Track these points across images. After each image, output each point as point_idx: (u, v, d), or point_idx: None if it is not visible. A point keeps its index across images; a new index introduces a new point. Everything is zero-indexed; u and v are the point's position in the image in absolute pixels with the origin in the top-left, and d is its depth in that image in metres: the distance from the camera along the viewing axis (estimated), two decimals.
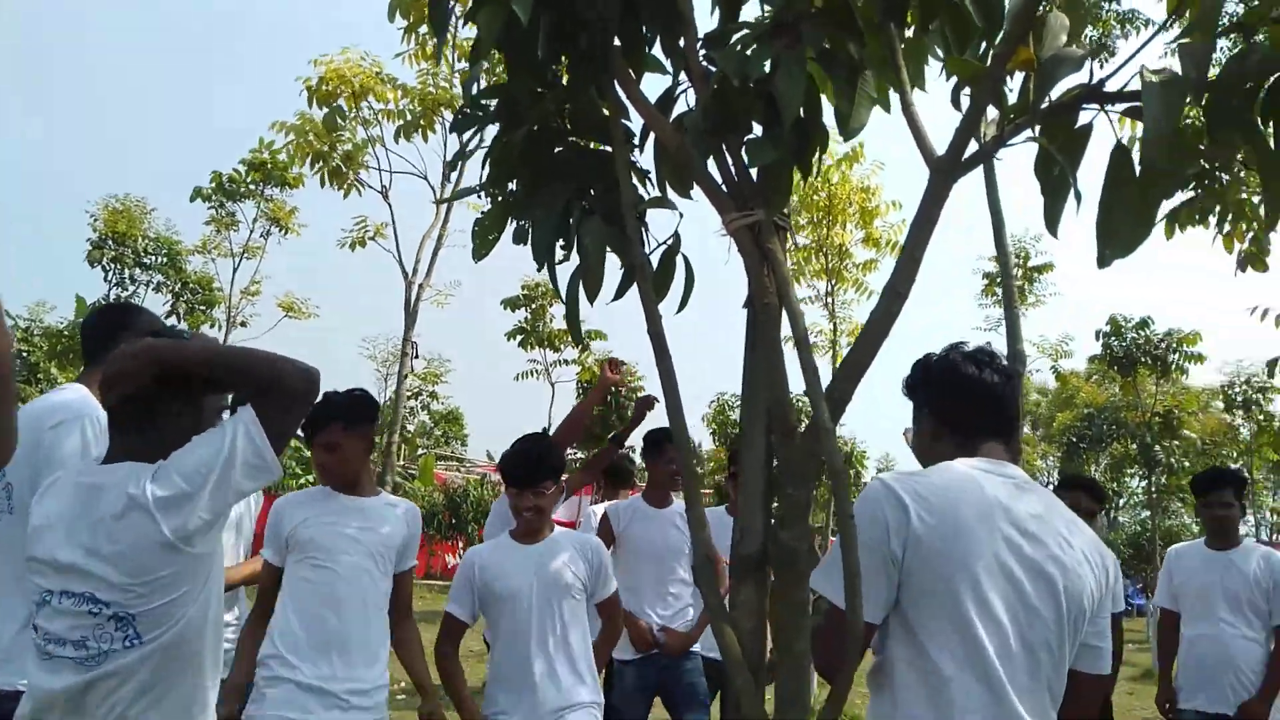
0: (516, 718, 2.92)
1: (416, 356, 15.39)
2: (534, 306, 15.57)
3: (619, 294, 2.25)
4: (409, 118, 9.63)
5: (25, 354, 18.80)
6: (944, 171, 1.79)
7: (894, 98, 2.05)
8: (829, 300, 13.41)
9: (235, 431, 1.62)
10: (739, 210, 1.99)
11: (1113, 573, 1.83)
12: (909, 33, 2.17)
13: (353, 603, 2.73)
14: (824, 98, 2.16)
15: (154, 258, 15.68)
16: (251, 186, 13.51)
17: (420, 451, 25.31)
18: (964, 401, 1.83)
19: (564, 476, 3.55)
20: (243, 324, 15.36)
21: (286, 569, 2.79)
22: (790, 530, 1.86)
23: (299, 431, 2.87)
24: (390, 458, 11.50)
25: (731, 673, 1.95)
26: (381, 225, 11.58)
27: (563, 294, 2.20)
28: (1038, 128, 1.84)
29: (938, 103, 2.29)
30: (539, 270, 2.31)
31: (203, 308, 15.81)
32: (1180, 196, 4.70)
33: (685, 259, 2.30)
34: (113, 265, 15.44)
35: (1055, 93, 1.88)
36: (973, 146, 1.89)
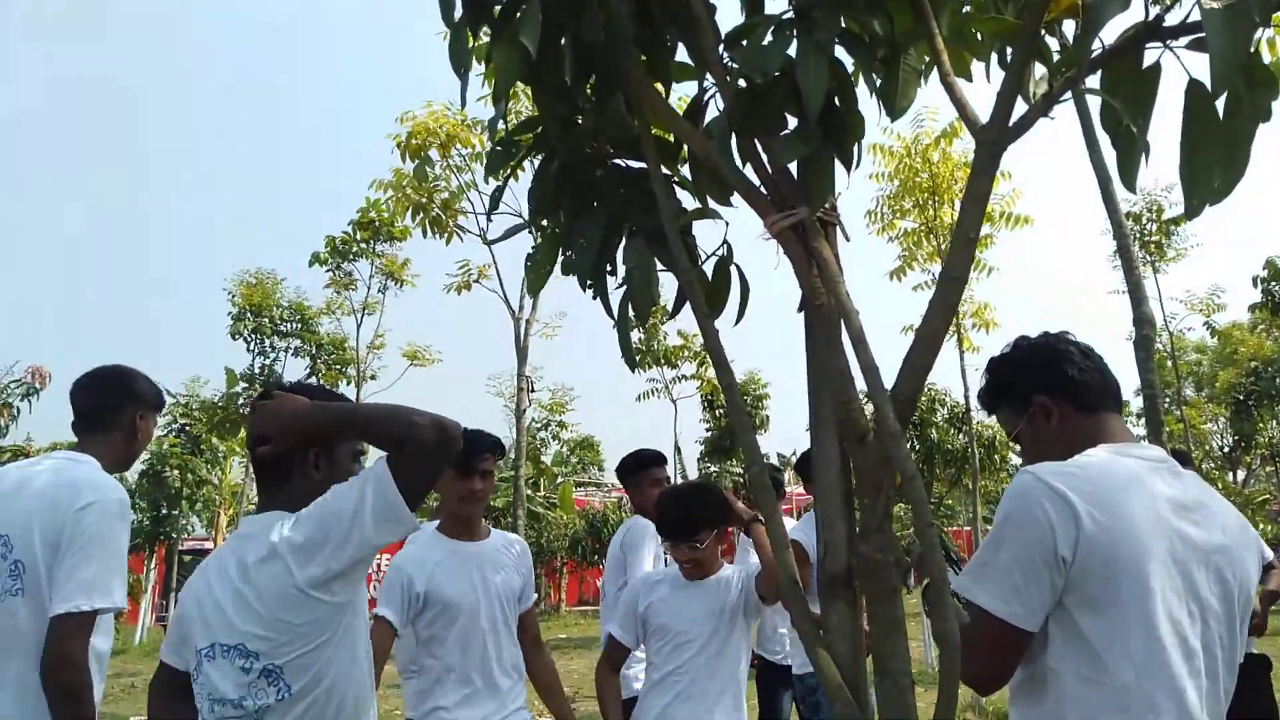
0: None
1: (533, 390, 15.69)
2: (646, 326, 15.60)
3: (673, 313, 2.19)
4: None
5: (187, 427, 20.24)
6: (990, 141, 1.64)
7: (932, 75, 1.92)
8: None
9: (367, 485, 1.64)
10: (780, 211, 1.90)
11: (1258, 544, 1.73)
12: None
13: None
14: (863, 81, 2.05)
15: (289, 324, 16.58)
16: (363, 245, 14.16)
17: (558, 480, 25.73)
18: (1081, 372, 1.71)
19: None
20: (372, 377, 16.04)
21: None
22: (871, 542, 1.74)
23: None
24: (519, 491, 11.72)
25: (831, 700, 1.84)
26: (484, 266, 11.94)
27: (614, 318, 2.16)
28: (1093, 77, 1.67)
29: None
30: (592, 298, 2.28)
31: (337, 366, 16.58)
32: None
33: (738, 269, 2.22)
34: (253, 336, 16.42)
35: (1110, 37, 1.71)
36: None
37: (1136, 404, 18.00)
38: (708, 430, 19.25)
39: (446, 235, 10.80)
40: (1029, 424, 1.75)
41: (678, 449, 18.69)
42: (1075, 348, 1.73)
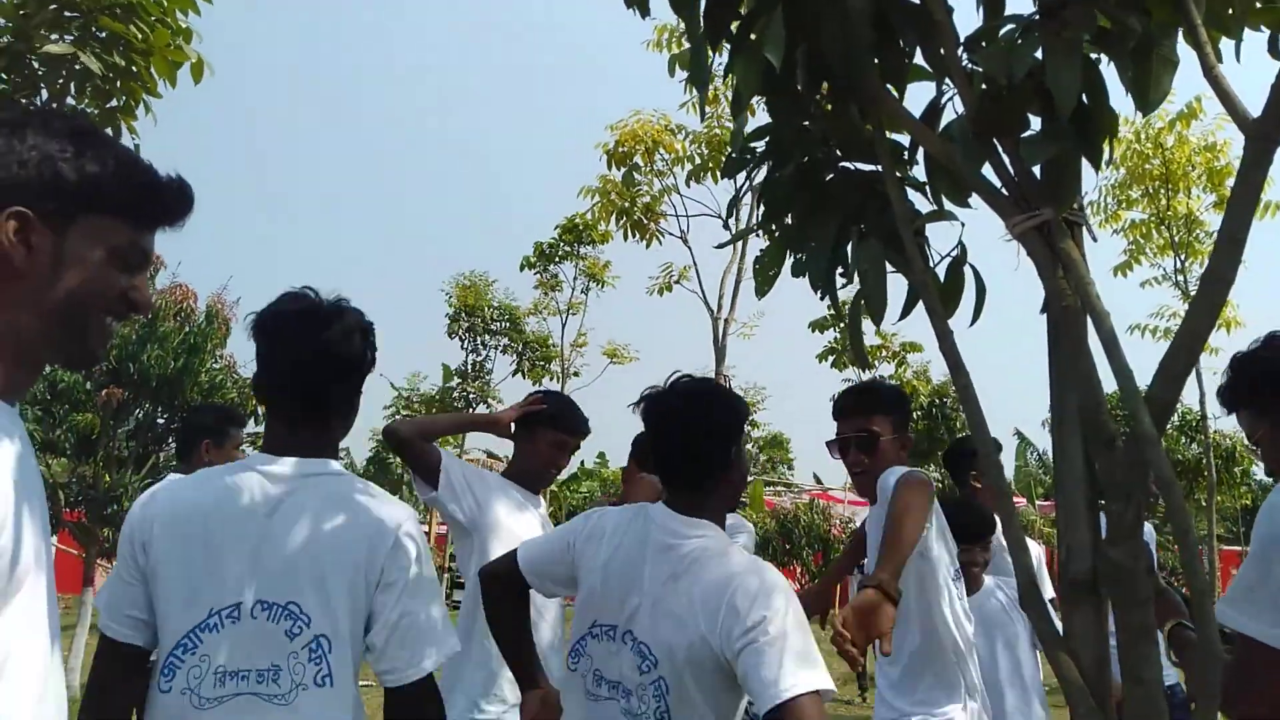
0: None
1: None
2: (842, 326, 15.37)
3: (904, 313, 2.21)
4: (698, 161, 10.17)
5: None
6: (1263, 137, 1.56)
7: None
8: (1179, 278, 11.80)
9: None
10: (1022, 212, 1.88)
11: None
12: None
13: None
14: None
15: (499, 324, 17.58)
16: (567, 249, 14.86)
17: (749, 478, 25.70)
18: None
19: None
20: (575, 374, 16.75)
21: None
22: (1119, 548, 1.70)
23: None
24: None
25: (1073, 705, 1.82)
26: (685, 268, 12.26)
27: (845, 320, 2.21)
28: None
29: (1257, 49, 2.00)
30: (820, 299, 2.34)
31: (542, 363, 17.41)
32: None
33: (974, 269, 2.20)
34: (467, 335, 17.53)
35: None
36: None
37: None
38: None
39: (648, 238, 11.16)
40: (1275, 430, 1.63)
41: None
42: None
